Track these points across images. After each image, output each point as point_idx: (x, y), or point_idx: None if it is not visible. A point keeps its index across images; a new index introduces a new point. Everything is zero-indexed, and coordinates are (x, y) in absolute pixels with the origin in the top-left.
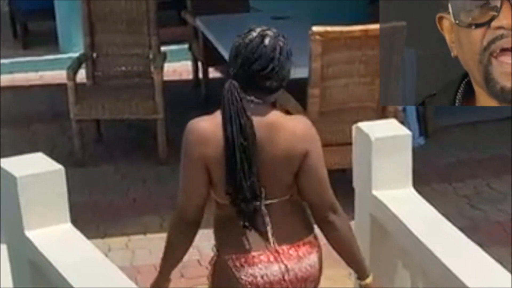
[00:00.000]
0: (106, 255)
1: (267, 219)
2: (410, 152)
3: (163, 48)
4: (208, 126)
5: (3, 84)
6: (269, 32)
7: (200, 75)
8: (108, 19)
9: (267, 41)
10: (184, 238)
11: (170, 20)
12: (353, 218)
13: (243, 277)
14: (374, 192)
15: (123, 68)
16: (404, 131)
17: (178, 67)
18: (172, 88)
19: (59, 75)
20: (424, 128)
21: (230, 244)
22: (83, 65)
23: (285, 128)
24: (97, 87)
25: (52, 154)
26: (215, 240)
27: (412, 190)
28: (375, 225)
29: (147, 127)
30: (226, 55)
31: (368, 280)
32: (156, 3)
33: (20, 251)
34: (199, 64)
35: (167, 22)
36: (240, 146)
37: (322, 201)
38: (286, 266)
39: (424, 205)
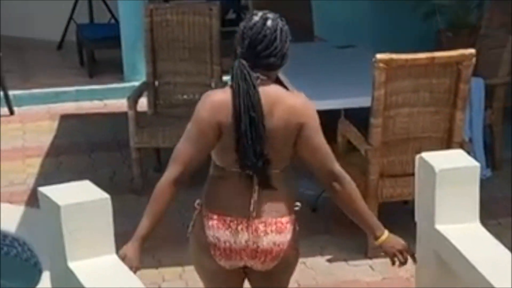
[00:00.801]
0: (160, 286)
1: (257, 188)
2: (477, 184)
3: (226, 78)
4: (223, 96)
5: (68, 111)
6: (270, 15)
7: None
8: (170, 47)
9: (269, 23)
10: (169, 195)
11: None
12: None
13: (210, 237)
14: (438, 227)
15: (185, 96)
16: (471, 162)
17: None
18: None
19: (122, 104)
20: (491, 159)
21: (212, 202)
22: (146, 93)
23: (285, 102)
24: (158, 116)
25: (112, 181)
26: (203, 195)
27: (478, 224)
28: (438, 262)
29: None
30: (289, 85)
31: (382, 239)
32: (220, 32)
33: (63, 283)
34: None
35: (231, 51)
36: (249, 117)
37: (322, 168)
38: (252, 238)
39: (491, 241)
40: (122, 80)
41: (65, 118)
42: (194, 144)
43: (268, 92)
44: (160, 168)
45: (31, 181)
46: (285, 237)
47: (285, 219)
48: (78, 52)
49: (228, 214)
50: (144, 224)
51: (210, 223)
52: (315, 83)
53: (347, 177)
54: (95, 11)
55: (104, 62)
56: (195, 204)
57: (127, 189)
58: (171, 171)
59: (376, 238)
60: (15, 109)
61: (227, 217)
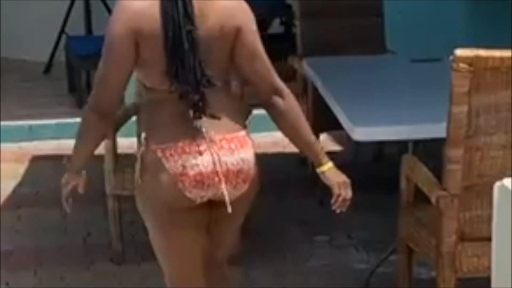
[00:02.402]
0: None
1: (203, 107)
2: None
3: (260, 112)
4: (143, 3)
5: (43, 152)
6: None
7: None
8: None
9: None
10: (96, 130)
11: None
12: None
13: (172, 168)
14: None
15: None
16: None
17: (283, 138)
18: (271, 164)
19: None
20: None
21: (159, 133)
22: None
23: (216, 4)
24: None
25: (85, 244)
26: (143, 129)
27: None
28: None
29: None
30: (345, 103)
31: (328, 166)
32: None
33: None
34: None
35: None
36: (186, 32)
37: (262, 80)
38: (218, 156)
39: None
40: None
41: (36, 160)
42: (112, 66)
43: None
44: None
45: None
46: (250, 153)
47: (242, 133)
48: (67, 74)
49: (182, 139)
50: (78, 159)
51: (168, 153)
52: (379, 103)
53: (289, 92)
54: (95, 20)
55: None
56: (141, 139)
57: (103, 256)
58: (91, 101)
59: (321, 165)
60: None
61: (183, 142)
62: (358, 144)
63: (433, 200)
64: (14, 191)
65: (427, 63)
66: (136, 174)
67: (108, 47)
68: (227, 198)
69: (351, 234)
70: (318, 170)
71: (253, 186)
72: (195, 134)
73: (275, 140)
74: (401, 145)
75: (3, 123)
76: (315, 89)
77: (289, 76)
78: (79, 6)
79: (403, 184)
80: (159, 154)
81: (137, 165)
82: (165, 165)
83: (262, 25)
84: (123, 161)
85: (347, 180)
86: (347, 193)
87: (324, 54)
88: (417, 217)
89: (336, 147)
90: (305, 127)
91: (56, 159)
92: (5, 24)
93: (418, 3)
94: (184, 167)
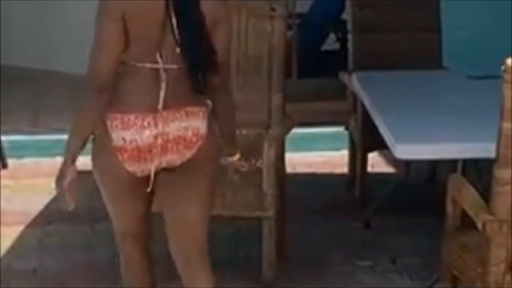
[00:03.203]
0: None
1: (165, 83)
2: None
3: (311, 131)
4: None
5: (83, 167)
6: None
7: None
8: None
9: None
10: (95, 109)
11: (323, 90)
12: None
13: (114, 139)
14: None
15: None
16: None
17: (332, 158)
18: (319, 184)
19: None
20: None
21: (114, 103)
22: None
23: None
24: None
25: (112, 264)
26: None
27: None
28: None
29: (248, 230)
30: (385, 132)
31: (236, 157)
32: (284, 42)
33: None
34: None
35: (318, 93)
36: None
37: (224, 63)
38: (161, 129)
39: None
40: None
41: None
42: (111, 37)
43: None
44: None
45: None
46: (201, 122)
47: (197, 108)
48: None
49: (132, 111)
50: (75, 143)
51: (114, 123)
52: (429, 120)
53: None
54: None
55: None
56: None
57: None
58: (90, 80)
59: (231, 155)
60: (10, 160)
61: (131, 114)
62: (408, 164)
63: (479, 225)
64: (47, 207)
65: (484, 80)
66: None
67: (102, 24)
68: (152, 174)
69: (395, 259)
70: (230, 159)
71: (202, 153)
72: (148, 108)
73: (325, 160)
74: (453, 165)
75: (41, 136)
76: (364, 106)
77: (339, 94)
78: None
79: (449, 206)
80: (108, 123)
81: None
82: (110, 135)
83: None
84: None
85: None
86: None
87: (376, 69)
88: (463, 243)
89: (389, 169)
90: (236, 119)
91: (88, 175)
92: (55, 37)
93: (478, 20)
94: (124, 140)
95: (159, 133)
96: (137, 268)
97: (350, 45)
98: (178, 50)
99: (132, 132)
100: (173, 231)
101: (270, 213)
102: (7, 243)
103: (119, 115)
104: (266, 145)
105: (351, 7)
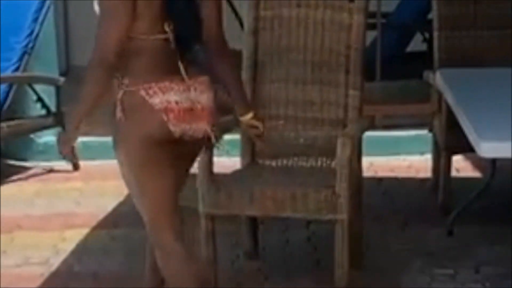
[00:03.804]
0: None
1: (178, 54)
2: None
3: (394, 134)
4: None
5: None
6: None
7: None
8: (282, 61)
9: None
10: (101, 80)
11: (407, 92)
12: None
13: (157, 103)
14: None
15: (300, 140)
16: None
17: (416, 162)
18: (401, 189)
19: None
20: None
21: (141, 75)
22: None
23: None
24: (252, 168)
25: None
26: (123, 73)
27: None
28: None
29: (322, 233)
30: (468, 130)
31: (249, 116)
32: (364, 35)
33: None
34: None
35: (401, 95)
36: None
37: (221, 30)
38: (194, 97)
39: None
40: None
41: None
42: (119, 9)
43: None
44: (257, 252)
45: (55, 261)
46: (212, 94)
47: (207, 77)
48: None
49: (165, 79)
50: (81, 109)
51: (151, 91)
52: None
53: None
54: (228, 32)
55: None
56: (119, 84)
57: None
58: (99, 54)
59: (244, 114)
60: (82, 162)
61: (165, 81)
62: (494, 168)
63: None
64: (114, 210)
65: None
66: (117, 115)
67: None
68: (210, 132)
69: (479, 268)
70: (243, 118)
71: (212, 125)
72: (176, 76)
73: (409, 164)
74: None
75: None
76: (449, 106)
77: (423, 96)
78: None
79: None
80: (142, 93)
81: (118, 107)
82: (148, 101)
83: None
84: (218, 180)
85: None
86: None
87: (462, 67)
88: None
89: (475, 173)
90: (241, 79)
91: None
92: None
93: None
94: (169, 102)
95: (194, 100)
96: (180, 261)
97: (434, 43)
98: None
99: (175, 93)
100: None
101: (343, 216)
102: (71, 246)
103: (154, 84)
104: (340, 144)
105: (436, 4)
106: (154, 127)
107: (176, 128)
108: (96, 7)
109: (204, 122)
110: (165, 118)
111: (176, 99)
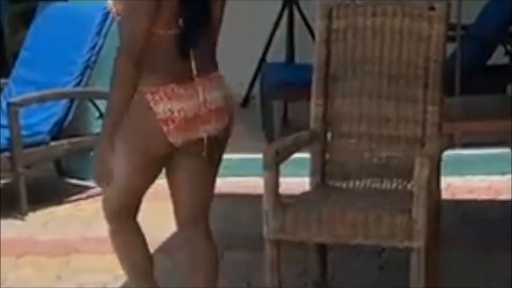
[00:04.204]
0: None
1: (191, 51)
2: None
3: (473, 152)
4: None
5: (223, 190)
6: None
7: None
8: (356, 74)
9: None
10: (131, 78)
11: (488, 108)
12: None
13: (160, 111)
14: None
15: (374, 160)
16: None
17: (497, 182)
18: (479, 212)
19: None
20: None
21: (150, 78)
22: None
23: None
24: (322, 190)
25: None
26: None
27: None
28: None
29: (396, 262)
30: None
31: None
32: (444, 46)
33: None
34: None
35: (482, 111)
36: None
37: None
38: (203, 97)
39: None
40: None
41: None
42: (144, 15)
43: None
44: (325, 281)
45: (115, 285)
46: (225, 90)
47: (218, 72)
48: (261, 105)
49: (170, 81)
50: (113, 116)
51: (157, 96)
52: None
53: None
54: (299, 45)
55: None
56: None
57: None
58: (129, 51)
59: None
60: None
61: (171, 84)
62: None
63: None
64: (177, 233)
65: None
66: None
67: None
68: (205, 141)
69: None
70: None
71: (232, 122)
72: (184, 76)
73: (488, 185)
74: None
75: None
76: None
77: (505, 111)
78: (281, 33)
79: None
80: (148, 97)
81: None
82: (153, 109)
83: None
84: (284, 202)
85: None
86: None
87: None
88: None
89: None
90: None
91: (233, 198)
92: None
93: None
94: (172, 111)
95: (202, 101)
96: (138, 245)
97: None
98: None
99: (179, 102)
100: (184, 193)
101: (420, 243)
102: None
103: (161, 88)
104: (417, 164)
105: None
106: (154, 139)
107: (177, 139)
108: (113, 7)
109: (210, 124)
110: (165, 129)
111: (180, 107)
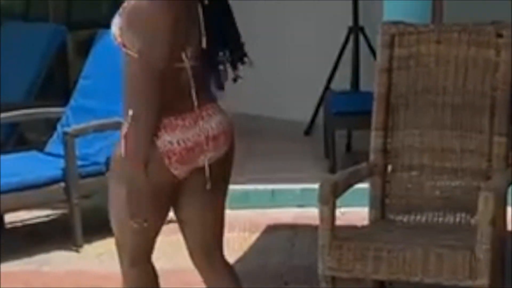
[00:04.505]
0: None
1: (192, 81)
2: None
3: None
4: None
5: (281, 220)
6: None
7: None
8: (418, 103)
9: None
10: (158, 90)
11: None
12: None
13: (160, 144)
14: None
15: (436, 192)
16: None
17: None
18: None
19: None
20: None
21: None
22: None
23: None
24: (381, 225)
25: None
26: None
27: None
28: None
29: None
30: None
31: None
32: None
33: None
34: None
35: None
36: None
37: None
38: (202, 126)
39: None
40: None
41: (271, 229)
42: (165, 54)
43: None
44: None
45: None
46: (226, 116)
47: (214, 104)
48: (324, 134)
49: (170, 113)
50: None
51: (158, 132)
52: None
53: None
54: (364, 72)
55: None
56: (128, 118)
57: None
58: (151, 100)
59: None
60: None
61: (171, 117)
62: None
63: None
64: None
65: None
66: (121, 149)
67: (163, 22)
68: (207, 170)
69: None
70: None
71: (232, 148)
72: (185, 107)
73: None
74: None
75: (245, 186)
76: None
77: None
78: (347, 60)
79: None
80: None
81: (122, 142)
82: (154, 142)
83: None
84: (340, 236)
85: None
86: None
87: None
88: None
89: None
90: None
91: (294, 228)
92: (268, 82)
93: None
94: (171, 143)
95: (202, 129)
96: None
97: None
98: (204, 45)
99: (177, 134)
100: (195, 226)
101: (483, 282)
102: None
103: (161, 120)
104: (482, 198)
105: None
106: (156, 172)
107: (179, 171)
108: (116, 30)
109: (209, 152)
110: (167, 162)
111: (179, 138)
